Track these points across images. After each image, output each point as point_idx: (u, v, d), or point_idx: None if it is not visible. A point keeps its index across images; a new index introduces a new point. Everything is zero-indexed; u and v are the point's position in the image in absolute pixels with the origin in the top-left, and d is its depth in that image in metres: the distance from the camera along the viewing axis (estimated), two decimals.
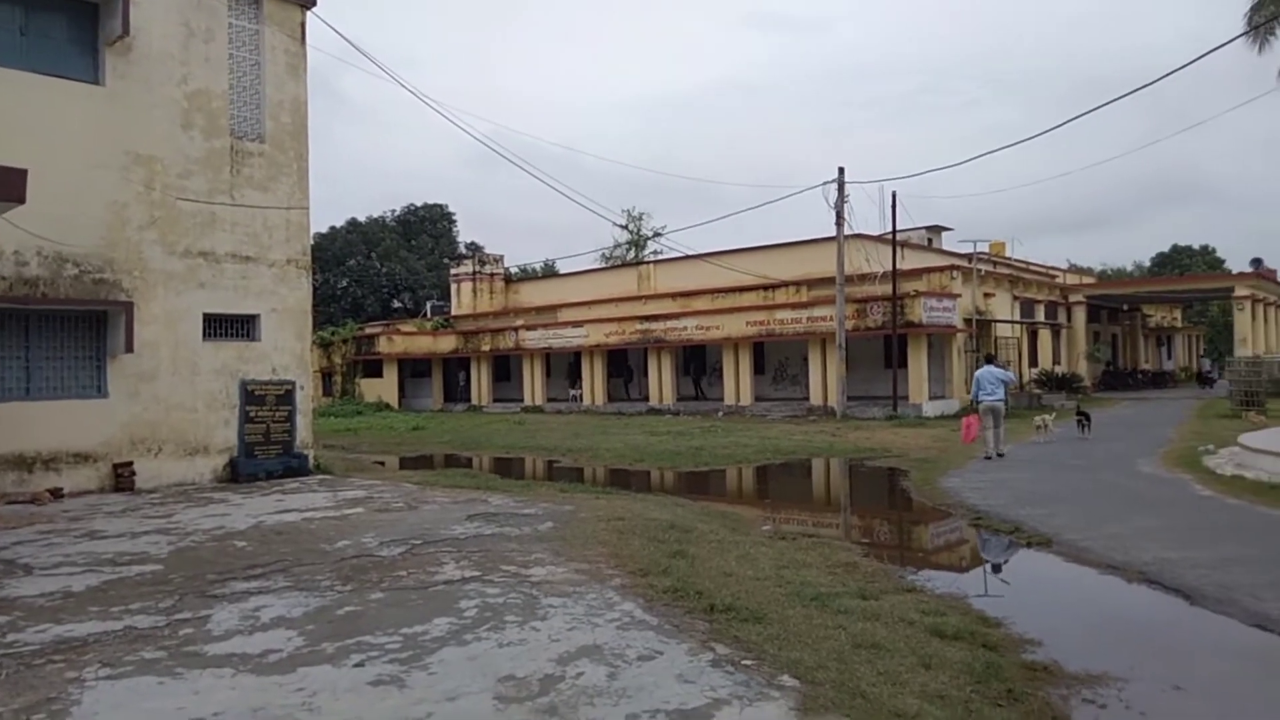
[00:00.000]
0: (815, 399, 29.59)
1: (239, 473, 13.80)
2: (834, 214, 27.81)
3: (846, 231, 28.14)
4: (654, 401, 33.72)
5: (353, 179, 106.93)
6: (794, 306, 30.82)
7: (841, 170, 27.70)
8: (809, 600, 6.48)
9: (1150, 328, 48.72)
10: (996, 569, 8.87)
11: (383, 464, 19.08)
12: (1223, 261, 61.65)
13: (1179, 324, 52.68)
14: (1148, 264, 69.49)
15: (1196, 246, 67.47)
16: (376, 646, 5.37)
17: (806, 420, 27.22)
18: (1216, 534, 9.06)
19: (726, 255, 34.63)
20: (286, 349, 14.77)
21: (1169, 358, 51.83)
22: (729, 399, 31.75)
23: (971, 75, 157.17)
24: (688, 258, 35.90)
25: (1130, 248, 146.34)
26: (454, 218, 71.25)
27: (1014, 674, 5.15)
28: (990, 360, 17.92)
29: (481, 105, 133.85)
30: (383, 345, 41.26)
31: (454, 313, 46.14)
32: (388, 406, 39.17)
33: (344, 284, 65.83)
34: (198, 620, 6.01)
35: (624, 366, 37.97)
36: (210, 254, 13.89)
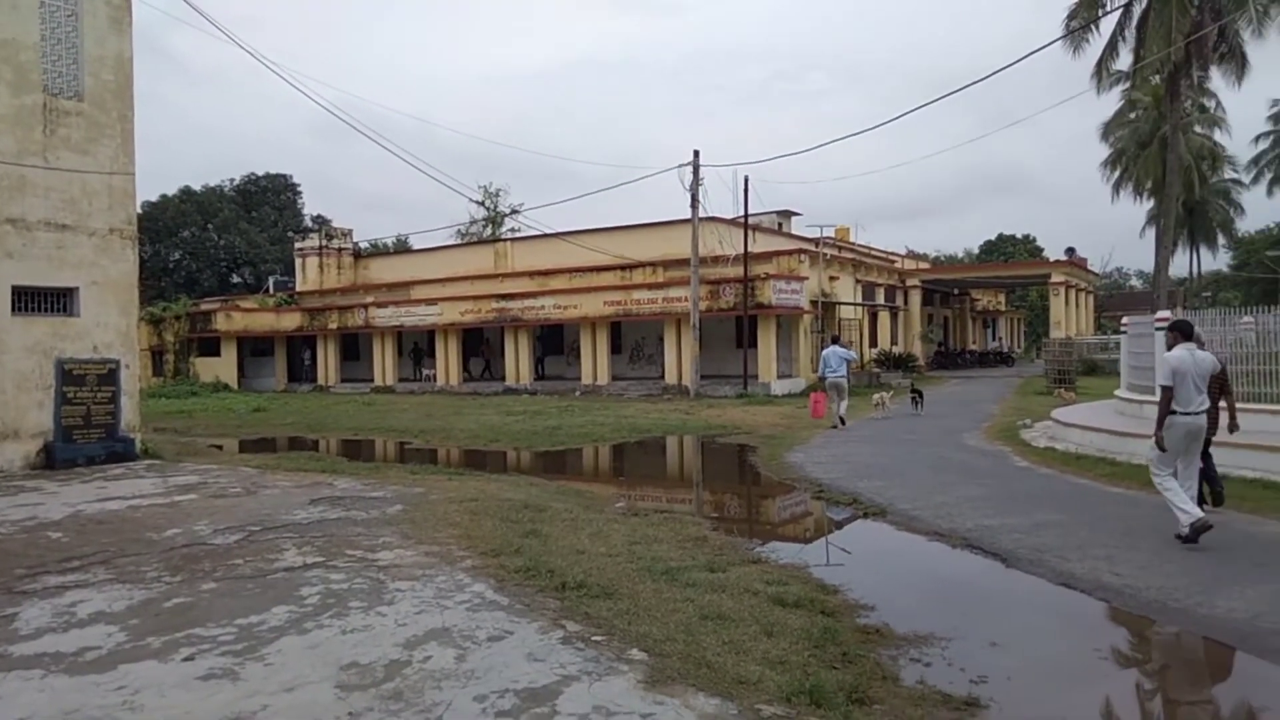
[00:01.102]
0: (670, 378, 30.10)
1: (55, 459, 12.75)
2: (689, 196, 28.29)
3: (701, 214, 28.66)
4: (511, 381, 33.42)
5: (187, 145, 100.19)
6: (651, 287, 31.18)
7: (696, 153, 28.17)
8: (659, 575, 6.60)
9: (978, 311, 52.18)
10: (836, 539, 9.32)
11: (220, 448, 18.07)
12: (1042, 250, 66.69)
13: (1003, 307, 56.66)
14: (977, 251, 74.23)
15: (1019, 235, 72.61)
16: (208, 639, 5.09)
17: (662, 399, 27.65)
18: (1030, 501, 9.83)
19: (585, 235, 34.60)
20: (110, 325, 13.70)
21: (994, 339, 55.70)
22: (586, 378, 31.85)
23: (821, 65, 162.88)
24: (545, 236, 35.65)
25: (961, 235, 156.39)
26: (299, 189, 68.06)
27: (849, 638, 5.43)
28: (836, 341, 20.13)
29: (328, 71, 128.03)
30: (221, 322, 38.97)
31: (299, 289, 44.10)
32: (226, 387, 37.08)
33: (177, 257, 61.76)
34: (2, 619, 5.52)
35: (482, 346, 37.41)
36: (20, 221, 12.69)
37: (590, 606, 5.73)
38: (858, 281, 36.43)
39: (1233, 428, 8.57)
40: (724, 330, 31.32)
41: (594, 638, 5.11)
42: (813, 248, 33.47)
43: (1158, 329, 14.11)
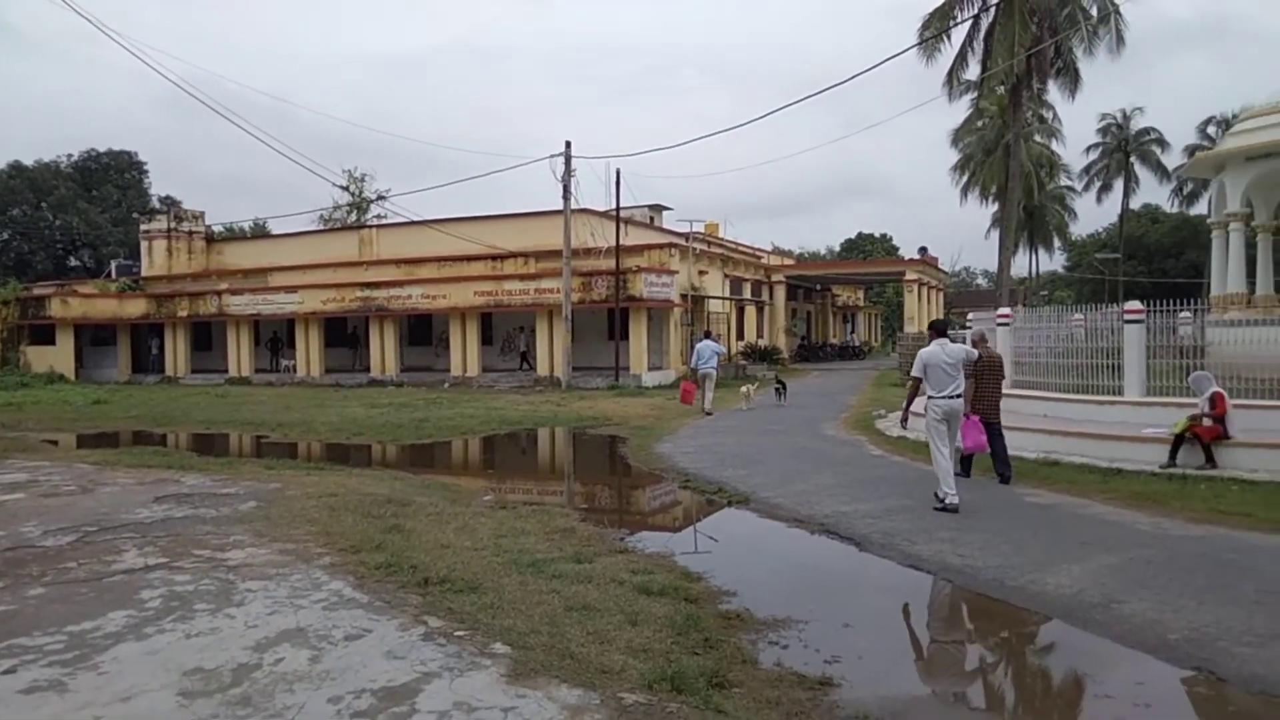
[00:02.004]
0: (542, 370, 29.93)
1: None
2: (561, 187, 28.16)
3: (574, 206, 28.59)
4: (376, 373, 32.43)
5: (18, 118, 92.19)
6: (522, 278, 30.90)
7: (568, 144, 28.06)
8: (525, 567, 6.57)
9: (838, 306, 54.24)
10: (701, 527, 9.50)
11: (55, 443, 16.77)
12: (898, 249, 69.86)
13: (862, 303, 59.09)
14: (838, 249, 77.13)
15: (878, 235, 75.82)
16: (34, 649, 4.73)
17: (533, 391, 27.47)
18: (883, 488, 10.31)
19: (454, 223, 33.90)
20: None
21: (852, 333, 58.05)
22: (455, 370, 31.27)
23: (694, 62, 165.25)
24: (413, 223, 34.77)
25: (824, 233, 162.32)
26: (145, 168, 63.82)
27: (711, 624, 5.55)
28: (708, 335, 21.81)
29: (179, 45, 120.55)
30: (56, 308, 36.11)
31: (145, 274, 41.36)
32: (62, 378, 34.41)
33: (5, 237, 56.84)
34: None
35: (348, 335, 36.11)
36: None
37: (454, 601, 5.64)
38: (726, 276, 37.19)
39: (967, 413, 9.51)
40: (596, 322, 31.38)
41: (456, 633, 5.03)
42: (683, 242, 33.94)
43: (999, 325, 15.07)
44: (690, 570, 6.90)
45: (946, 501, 8.83)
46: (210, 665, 4.50)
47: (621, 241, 29.31)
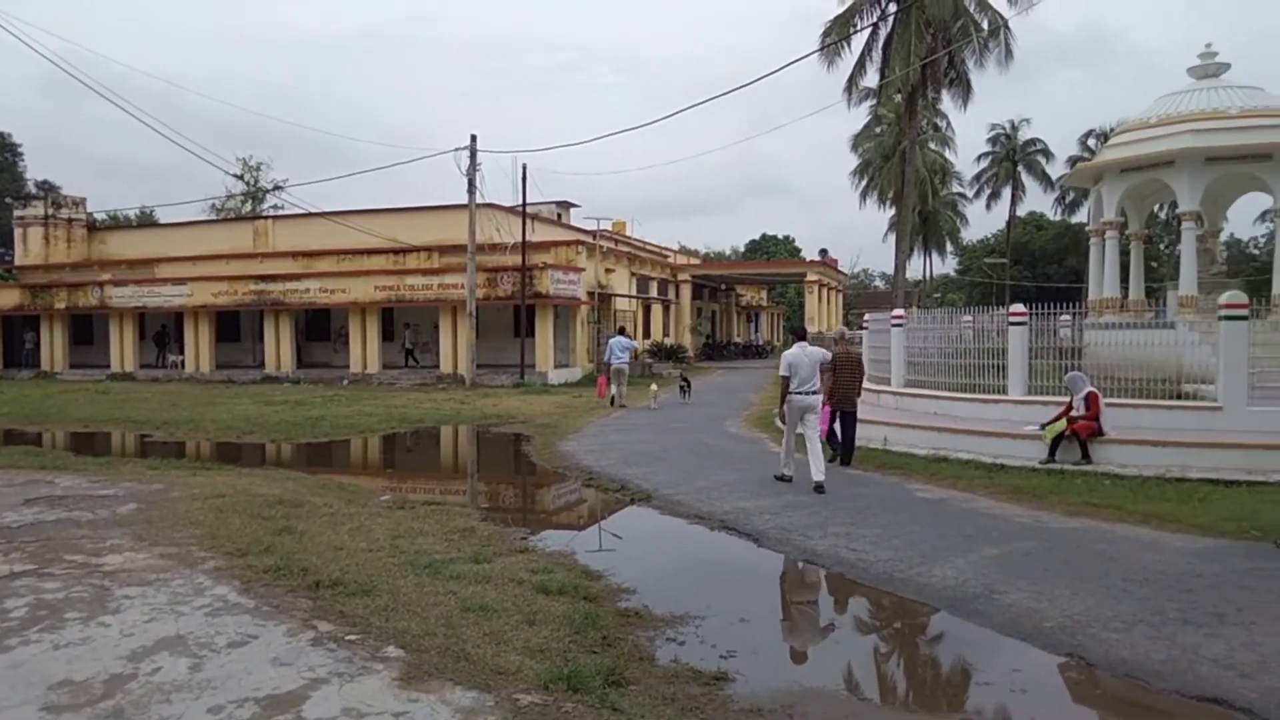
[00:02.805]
0: (446, 367, 29.46)
1: None
2: (466, 181, 27.76)
3: (480, 200, 28.23)
4: (271, 369, 31.34)
5: None
6: (425, 272, 30.34)
7: (474, 138, 27.70)
8: (422, 568, 6.45)
9: (742, 306, 55.12)
10: (603, 525, 9.52)
11: None
12: (800, 250, 71.42)
13: (765, 303, 60.21)
14: (743, 249, 78.35)
15: (781, 236, 77.35)
16: None
17: (436, 388, 27.01)
18: (781, 485, 10.48)
19: (355, 215, 32.95)
20: None
21: (755, 332, 59.11)
22: (355, 366, 30.48)
23: (606, 59, 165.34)
24: (311, 215, 33.60)
25: (730, 233, 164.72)
26: (19, 149, 59.94)
27: (610, 622, 5.56)
28: (622, 332, 23.18)
29: (58, 21, 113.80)
30: None
31: (19, 263, 38.87)
32: None
33: None
34: None
35: (239, 330, 34.76)
36: None
37: (346, 605, 5.50)
38: (633, 274, 37.35)
39: (825, 403, 10.86)
40: (502, 319, 31.07)
41: (348, 637, 4.90)
42: (591, 240, 33.93)
43: (893, 326, 15.58)
44: (590, 569, 6.90)
45: (783, 474, 10.52)
46: (80, 677, 4.27)
47: (528, 238, 29.10)
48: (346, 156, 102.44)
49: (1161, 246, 45.61)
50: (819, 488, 9.75)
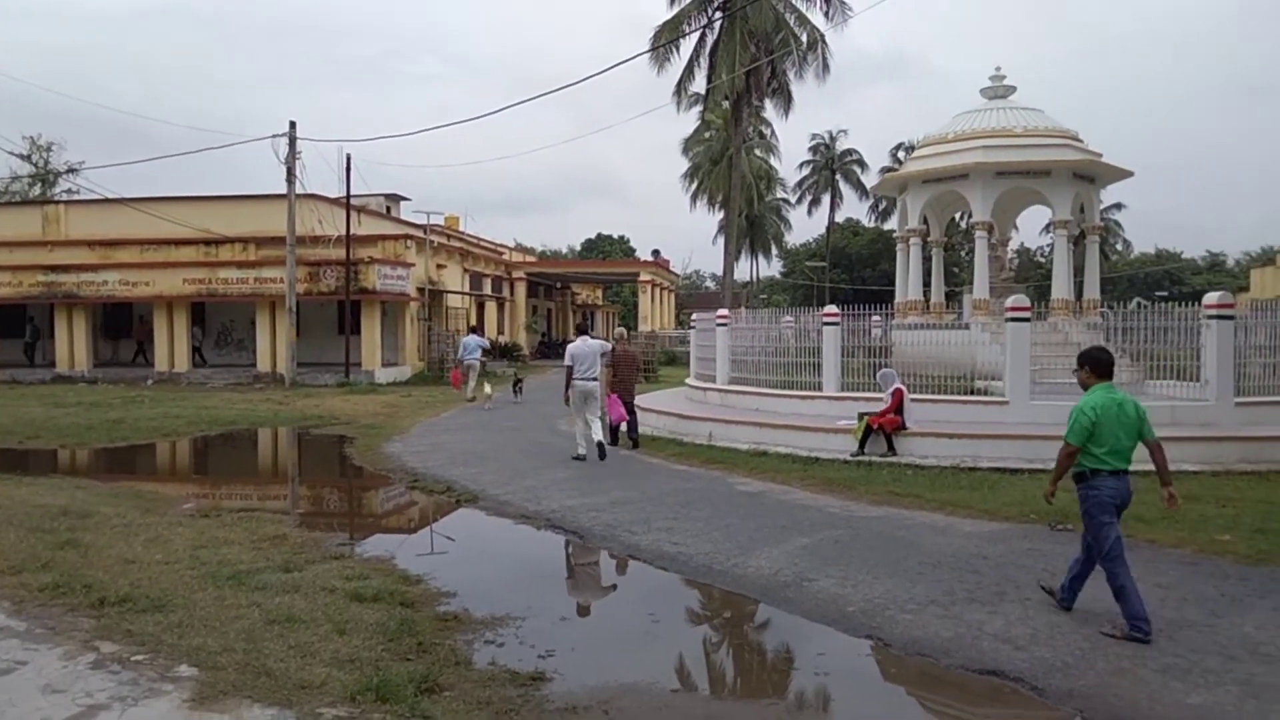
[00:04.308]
0: (263, 365, 27.90)
1: None
2: (285, 170, 26.39)
3: (301, 191, 26.89)
4: (63, 368, 28.63)
5: None
6: (241, 265, 28.58)
7: (293, 124, 26.38)
8: (224, 580, 6.07)
9: (578, 304, 55.31)
10: (425, 528, 9.28)
11: None
12: (635, 250, 72.45)
13: (600, 302, 60.68)
14: (579, 248, 78.64)
15: (616, 236, 78.17)
16: None
17: (252, 388, 25.53)
18: (610, 481, 10.63)
19: (161, 203, 30.52)
20: None
21: (592, 330, 59.48)
22: (161, 365, 28.34)
23: (436, 50, 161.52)
24: (111, 201, 30.91)
25: (566, 232, 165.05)
26: None
27: (427, 627, 5.43)
28: (474, 330, 24.77)
29: None
30: None
31: None
32: None
33: None
34: None
35: (23, 325, 31.51)
36: None
37: (134, 623, 5.09)
38: (466, 271, 36.68)
39: (608, 392, 12.76)
40: (325, 315, 29.74)
41: (134, 658, 4.54)
42: (421, 234, 33.02)
43: (719, 325, 16.06)
44: (410, 573, 6.71)
45: (578, 454, 11.91)
46: None
47: (355, 231, 28.00)
48: (152, 140, 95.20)
49: (962, 253, 49.33)
50: (601, 448, 11.82)
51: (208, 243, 30.14)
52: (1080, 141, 16.37)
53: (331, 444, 15.29)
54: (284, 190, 26.77)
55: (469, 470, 11.46)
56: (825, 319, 13.85)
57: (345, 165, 27.97)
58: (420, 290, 30.80)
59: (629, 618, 6.10)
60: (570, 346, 12.22)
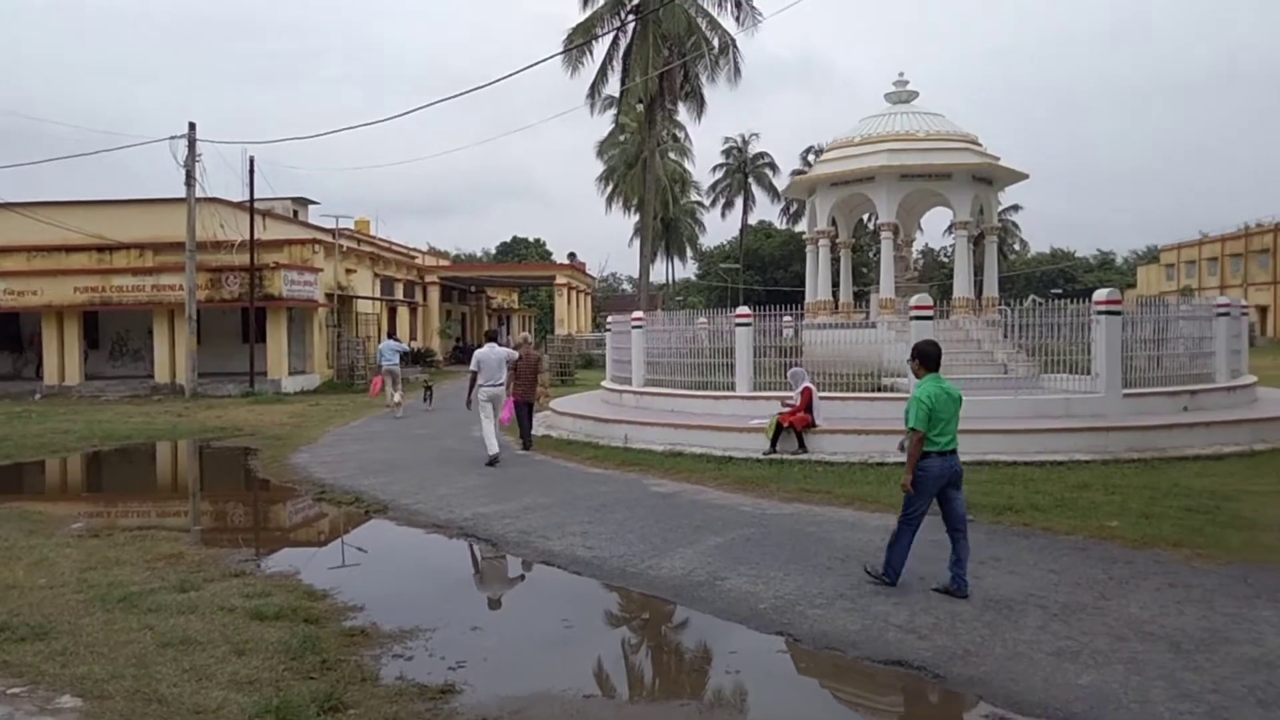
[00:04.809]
0: (162, 376, 26.80)
1: None
2: (184, 173, 25.39)
3: (201, 194, 25.91)
4: None
5: None
6: (137, 272, 27.39)
7: (193, 125, 25.42)
8: (114, 603, 5.79)
9: (494, 308, 54.78)
10: (332, 541, 9.03)
11: None
12: (551, 253, 72.19)
13: (516, 306, 60.24)
14: (494, 251, 77.91)
15: (532, 239, 77.70)
16: None
17: (150, 400, 24.48)
18: (524, 487, 10.53)
19: (49, 207, 29.02)
20: None
21: (508, 335, 58.95)
22: (51, 378, 26.95)
23: (343, 50, 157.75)
24: None
25: (480, 235, 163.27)
26: None
27: (331, 644, 5.27)
28: (392, 336, 23.65)
29: None
30: None
31: None
32: None
33: None
34: None
35: None
36: None
37: (12, 652, 4.80)
38: (377, 275, 35.93)
39: (509, 393, 12.87)
40: (228, 323, 28.74)
41: (11, 690, 4.28)
42: (330, 238, 32.21)
43: (634, 327, 16.10)
44: (315, 588, 6.51)
45: (490, 455, 12.05)
46: None
47: (259, 235, 27.16)
48: (36, 140, 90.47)
49: (870, 254, 50.66)
50: (494, 462, 12.01)
51: (101, 249, 28.81)
52: (979, 145, 16.97)
53: (234, 456, 14.75)
54: (183, 194, 25.74)
55: (379, 480, 11.20)
56: (738, 320, 14.02)
57: (249, 168, 27.09)
58: (329, 296, 30.03)
59: (542, 624, 6.03)
60: (477, 353, 12.52)
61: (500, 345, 13.00)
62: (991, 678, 4.70)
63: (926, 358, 6.33)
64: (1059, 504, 8.51)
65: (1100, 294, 12.73)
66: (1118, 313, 12.53)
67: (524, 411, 13.61)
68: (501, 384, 12.42)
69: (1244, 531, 7.42)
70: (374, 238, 41.46)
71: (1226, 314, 14.21)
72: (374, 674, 4.87)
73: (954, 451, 6.16)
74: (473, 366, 12.42)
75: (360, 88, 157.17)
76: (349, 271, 32.58)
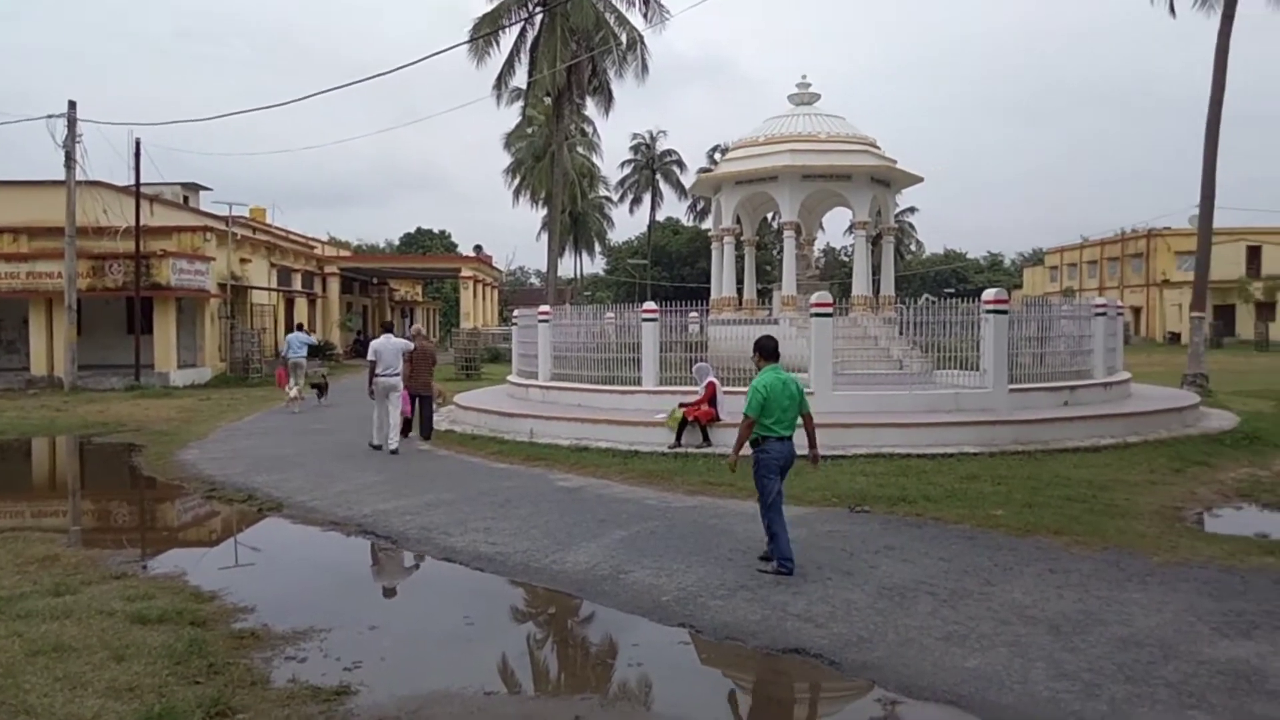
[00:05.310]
0: (39, 369, 25.29)
1: None
2: (64, 154, 23.97)
3: (84, 178, 24.51)
4: None
5: None
6: (10, 259, 25.79)
7: (73, 104, 24.00)
8: None
9: (396, 301, 53.60)
10: (223, 540, 8.69)
11: None
12: (457, 246, 71.02)
13: (421, 298, 59.10)
14: (397, 242, 76.19)
15: (437, 230, 76.29)
16: None
17: (26, 394, 23.07)
18: (425, 483, 10.33)
19: None
20: None
21: (412, 328, 57.77)
22: None
23: (236, 30, 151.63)
24: None
25: (383, 226, 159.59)
26: None
27: (219, 647, 5.07)
28: (300, 328, 23.40)
29: None
30: None
31: None
32: None
33: None
34: None
35: None
36: None
37: None
38: (273, 265, 34.69)
39: (405, 384, 13.05)
40: (112, 313, 27.28)
41: None
42: (223, 226, 30.91)
43: (541, 322, 15.99)
44: (202, 590, 6.25)
45: (389, 446, 12.36)
46: None
47: (146, 222, 25.90)
48: None
49: (774, 252, 51.63)
50: (394, 451, 12.29)
51: None
52: (877, 148, 17.49)
53: (117, 453, 14.02)
54: (63, 176, 24.30)
55: (274, 476, 10.83)
56: (645, 315, 14.09)
57: (135, 150, 25.75)
58: (222, 286, 28.84)
59: (443, 622, 5.94)
60: (374, 343, 12.77)
61: (396, 337, 13.19)
62: (884, 663, 4.85)
63: (765, 351, 6.83)
64: (949, 495, 8.85)
65: (988, 294, 13.27)
66: (1005, 312, 13.08)
67: (421, 403, 13.71)
68: (398, 374, 12.63)
69: (1118, 519, 7.86)
70: (270, 226, 40.02)
71: (1104, 314, 15.00)
72: (265, 677, 4.71)
73: (791, 438, 6.58)
74: (370, 356, 12.62)
75: (259, 73, 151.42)
76: (244, 261, 31.36)
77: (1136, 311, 56.49)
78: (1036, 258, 79.07)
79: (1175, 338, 47.57)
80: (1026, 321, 14.25)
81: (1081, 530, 7.47)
